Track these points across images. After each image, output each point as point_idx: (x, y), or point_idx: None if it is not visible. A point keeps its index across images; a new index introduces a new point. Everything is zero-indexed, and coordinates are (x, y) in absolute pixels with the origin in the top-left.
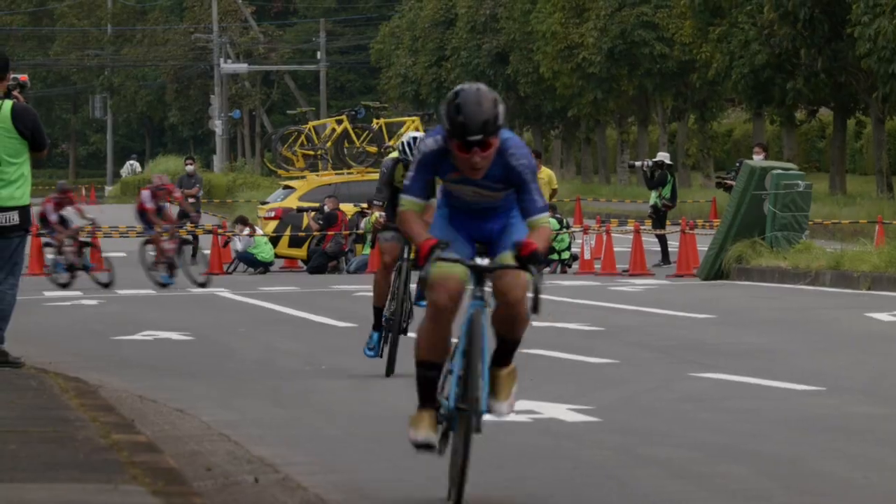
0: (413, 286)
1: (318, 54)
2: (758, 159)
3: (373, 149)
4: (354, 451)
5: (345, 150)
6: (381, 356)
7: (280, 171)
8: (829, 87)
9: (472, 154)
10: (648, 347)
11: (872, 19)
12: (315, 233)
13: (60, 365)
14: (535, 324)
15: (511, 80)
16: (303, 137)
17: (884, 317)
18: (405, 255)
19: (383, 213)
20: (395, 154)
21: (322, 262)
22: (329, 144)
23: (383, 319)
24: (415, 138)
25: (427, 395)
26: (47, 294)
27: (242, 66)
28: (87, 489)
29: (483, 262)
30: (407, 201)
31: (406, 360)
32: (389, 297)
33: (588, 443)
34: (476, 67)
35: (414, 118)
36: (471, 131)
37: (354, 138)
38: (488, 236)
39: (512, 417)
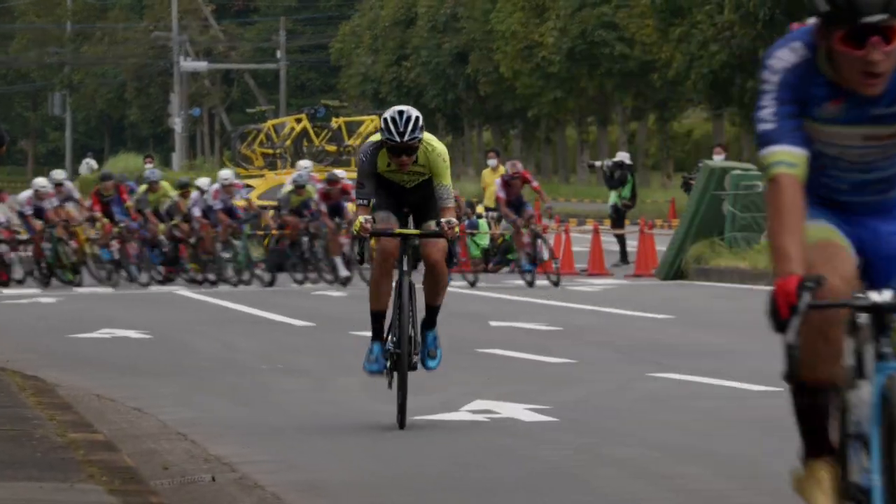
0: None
1: (278, 53)
2: (718, 160)
3: (332, 148)
4: (312, 450)
5: (304, 148)
6: (387, 376)
7: (239, 170)
8: None
9: (869, 48)
10: (607, 347)
11: None
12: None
13: (18, 363)
14: (492, 323)
15: (471, 80)
16: (262, 136)
17: None
18: (404, 265)
19: (368, 217)
20: (375, 137)
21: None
22: (288, 143)
23: (386, 351)
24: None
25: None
26: (5, 292)
27: (202, 65)
28: (44, 488)
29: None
30: (777, 154)
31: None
32: (390, 321)
33: (546, 442)
34: (436, 67)
35: (374, 117)
36: (868, 7)
37: (314, 137)
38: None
39: (468, 417)
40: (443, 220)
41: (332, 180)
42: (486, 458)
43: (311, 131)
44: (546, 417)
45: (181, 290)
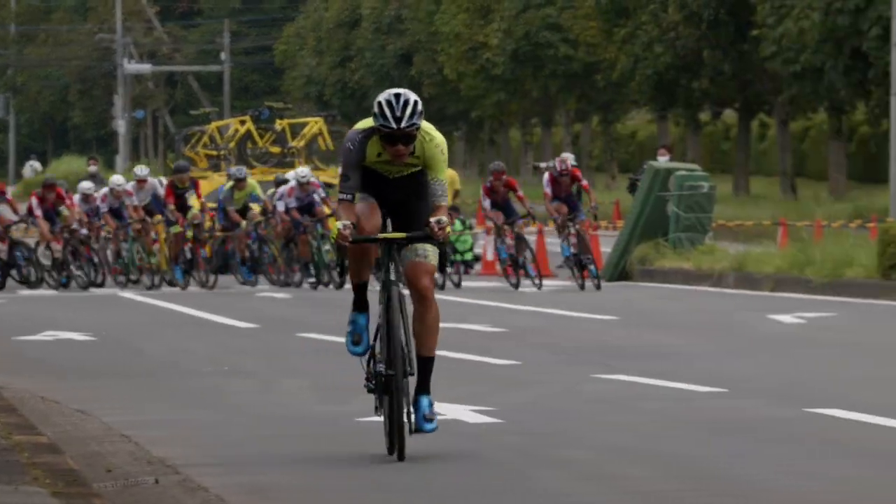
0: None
1: (222, 55)
2: (662, 160)
3: (276, 149)
4: (257, 452)
5: (248, 150)
6: (375, 400)
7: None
8: (733, 88)
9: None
10: (552, 349)
11: (778, 21)
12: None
13: None
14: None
15: (415, 82)
16: (206, 138)
17: (787, 318)
18: (391, 274)
19: (347, 224)
20: (365, 123)
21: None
22: (232, 145)
23: (374, 373)
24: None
25: None
26: None
27: (146, 67)
28: None
29: None
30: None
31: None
32: (376, 334)
33: (492, 444)
34: (381, 69)
35: (317, 119)
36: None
37: (258, 139)
38: None
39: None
40: (432, 218)
41: (281, 181)
42: (431, 461)
43: (254, 133)
44: (491, 419)
45: (125, 293)
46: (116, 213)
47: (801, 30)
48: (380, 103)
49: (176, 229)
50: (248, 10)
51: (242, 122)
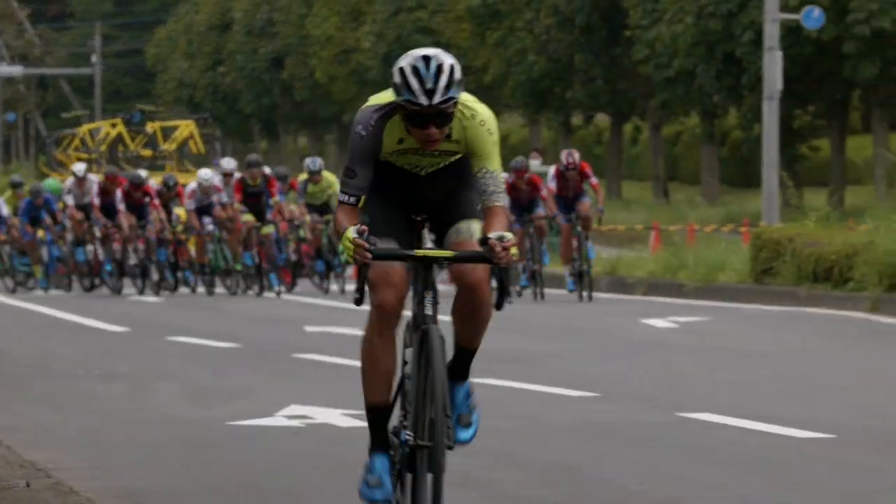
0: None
1: (94, 58)
2: (534, 164)
3: (147, 152)
4: (128, 456)
5: (119, 153)
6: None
7: (54, 175)
8: (606, 92)
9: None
10: None
11: (650, 25)
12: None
13: None
14: (308, 328)
15: (287, 85)
16: (77, 141)
17: (659, 323)
18: (426, 307)
19: (363, 227)
20: (381, 97)
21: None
22: (103, 148)
23: (400, 446)
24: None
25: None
26: None
27: (17, 69)
28: None
29: None
30: None
31: None
32: (400, 388)
33: (362, 449)
34: (252, 72)
35: (189, 122)
36: None
37: (129, 142)
38: None
39: (283, 422)
40: (492, 234)
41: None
42: (302, 464)
43: (126, 136)
44: (363, 423)
45: None
46: (204, 211)
47: (673, 34)
48: (402, 71)
49: (268, 229)
50: (120, 13)
51: (114, 125)
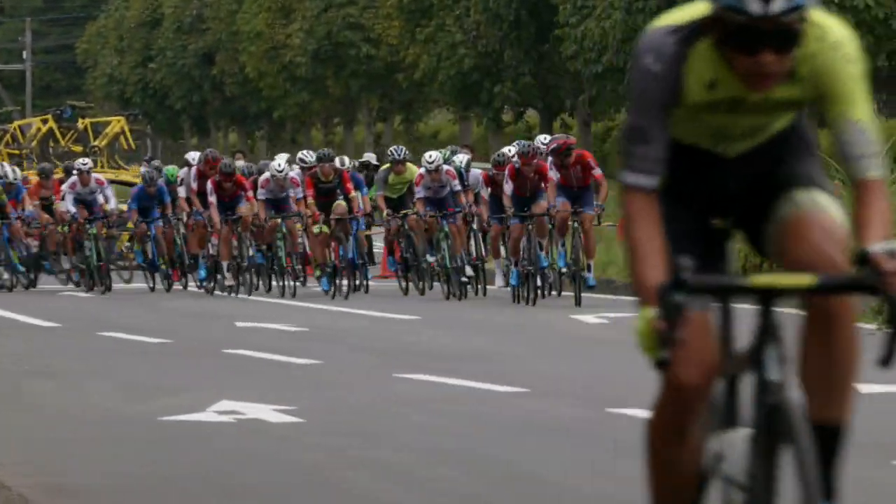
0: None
1: (24, 54)
2: (459, 158)
3: (78, 148)
4: (60, 451)
5: (50, 149)
6: None
7: None
8: (535, 88)
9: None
10: (355, 349)
11: (580, 21)
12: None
13: None
14: (239, 324)
15: (217, 81)
16: (8, 137)
17: (590, 319)
18: (765, 348)
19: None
20: (680, 13)
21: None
22: (34, 144)
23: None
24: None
25: None
26: None
27: None
28: None
29: None
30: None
31: None
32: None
33: (295, 444)
34: (182, 68)
35: (120, 118)
36: None
37: (60, 137)
38: None
39: (214, 418)
40: (878, 244)
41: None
42: (234, 460)
43: (57, 132)
44: (294, 419)
45: None
46: (278, 204)
47: (602, 30)
48: None
49: (323, 228)
50: (50, 8)
51: (45, 121)
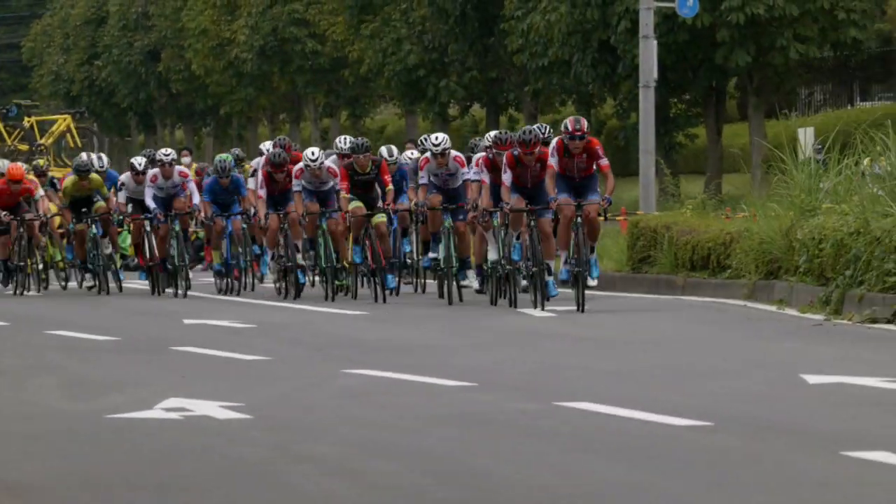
0: None
1: None
2: (407, 154)
3: (24, 147)
4: (7, 449)
5: None
6: None
7: None
8: (481, 83)
9: None
10: (301, 344)
11: (525, 14)
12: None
13: None
14: (186, 321)
15: (163, 78)
16: None
17: (536, 312)
18: None
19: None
20: None
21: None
22: None
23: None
24: None
25: None
26: None
27: None
28: None
29: None
30: None
31: None
32: None
33: (241, 440)
34: (128, 65)
35: (66, 116)
36: None
37: (6, 136)
38: None
39: (161, 415)
40: None
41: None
42: (181, 456)
43: (2, 131)
44: (240, 415)
45: None
46: (323, 199)
47: (548, 23)
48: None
49: (380, 217)
50: None
51: None
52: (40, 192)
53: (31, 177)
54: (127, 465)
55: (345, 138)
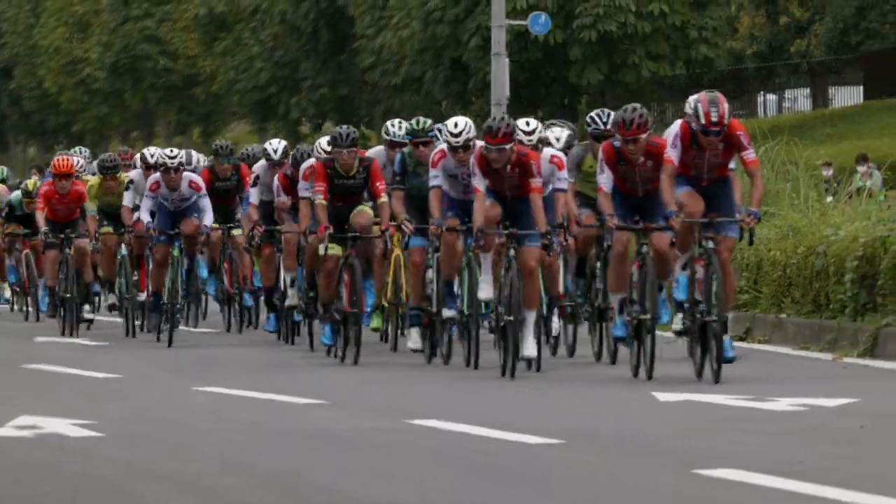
0: None
1: None
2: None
3: None
4: None
5: None
6: None
7: None
8: (331, 100)
9: None
10: (151, 362)
11: (377, 33)
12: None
13: None
14: (38, 339)
15: (15, 95)
16: None
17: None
18: None
19: None
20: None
21: None
22: None
23: None
24: None
25: None
26: None
27: None
28: None
29: None
30: None
31: None
32: None
33: (93, 458)
34: None
35: None
36: None
37: None
38: None
39: (13, 433)
40: None
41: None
42: (33, 475)
43: None
44: (93, 433)
45: None
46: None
47: (400, 40)
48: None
49: (332, 248)
50: None
51: None
52: (91, 206)
53: (85, 177)
54: None
55: (399, 122)
